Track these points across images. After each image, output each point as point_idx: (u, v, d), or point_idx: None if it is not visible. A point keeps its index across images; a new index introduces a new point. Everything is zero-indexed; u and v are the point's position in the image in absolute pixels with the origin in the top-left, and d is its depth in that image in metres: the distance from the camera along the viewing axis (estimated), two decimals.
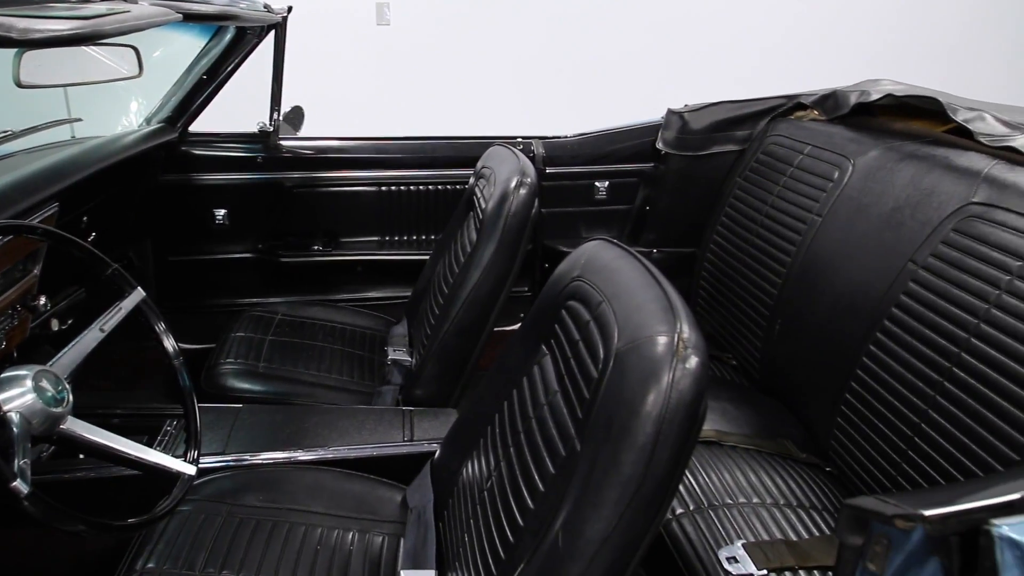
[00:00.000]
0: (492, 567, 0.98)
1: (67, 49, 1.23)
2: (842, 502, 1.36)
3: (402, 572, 1.15)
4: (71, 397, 1.03)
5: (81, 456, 1.34)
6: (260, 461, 1.41)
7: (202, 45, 2.05)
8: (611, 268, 0.98)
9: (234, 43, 1.99)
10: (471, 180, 1.89)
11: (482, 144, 2.02)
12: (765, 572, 1.22)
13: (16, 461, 0.89)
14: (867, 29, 4.13)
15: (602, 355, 0.87)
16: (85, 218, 1.72)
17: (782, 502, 1.40)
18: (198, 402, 1.26)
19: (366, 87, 3.82)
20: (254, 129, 2.22)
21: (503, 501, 1.01)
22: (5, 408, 0.93)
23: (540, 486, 0.93)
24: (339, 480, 1.38)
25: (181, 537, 1.19)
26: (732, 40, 4.02)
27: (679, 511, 1.38)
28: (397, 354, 1.85)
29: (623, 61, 3.95)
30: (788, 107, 2.08)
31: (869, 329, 1.43)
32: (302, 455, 1.43)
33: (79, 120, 2.05)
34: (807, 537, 1.31)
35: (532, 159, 2.23)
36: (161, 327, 1.24)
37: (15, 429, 0.92)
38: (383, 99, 3.81)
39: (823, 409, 1.54)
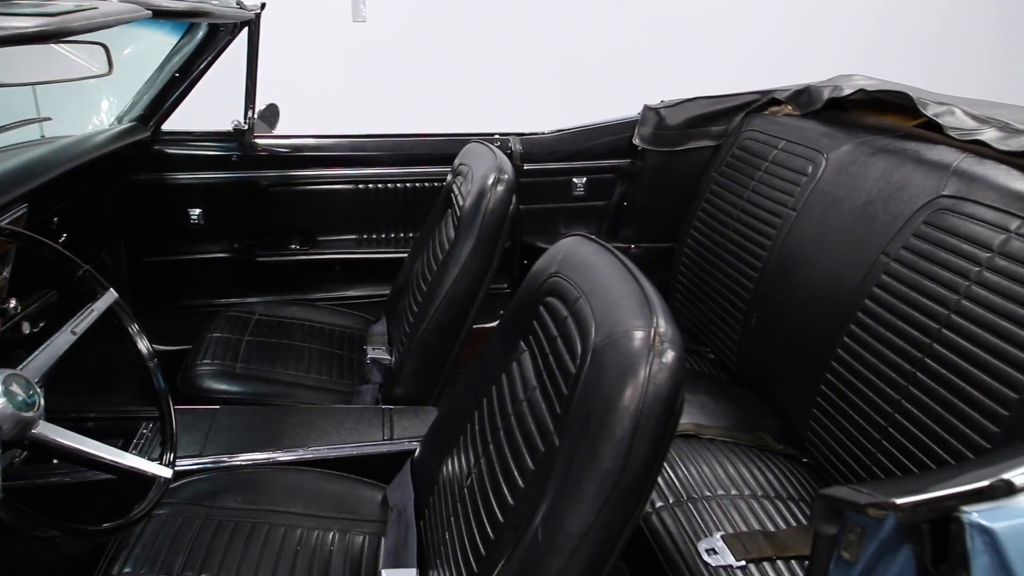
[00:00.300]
0: (473, 564, 0.98)
1: (34, 47, 1.21)
2: (816, 492, 1.37)
3: (383, 571, 1.15)
4: (43, 401, 1.02)
5: (55, 461, 1.32)
6: (238, 463, 1.40)
7: (174, 42, 2.03)
8: (588, 264, 0.98)
9: (206, 40, 1.97)
10: (449, 177, 1.88)
11: (459, 141, 2.02)
12: (744, 563, 1.24)
13: None
14: (847, 26, 4.17)
15: (580, 350, 0.87)
16: (56, 219, 1.69)
17: (760, 493, 1.41)
18: (175, 404, 1.24)
19: (342, 84, 3.79)
20: (228, 127, 2.19)
21: (483, 498, 1.01)
22: None
23: (520, 482, 0.94)
24: (319, 480, 1.37)
25: (158, 541, 1.18)
26: (709, 36, 4.04)
27: (658, 504, 1.39)
28: (376, 353, 1.84)
29: (600, 57, 3.96)
30: (763, 102, 2.10)
31: (843, 321, 1.45)
32: (281, 456, 1.42)
33: (48, 119, 2.02)
34: (784, 528, 1.33)
35: (510, 156, 2.23)
36: (134, 328, 1.23)
37: None
38: (359, 96, 3.78)
39: (799, 401, 1.56)
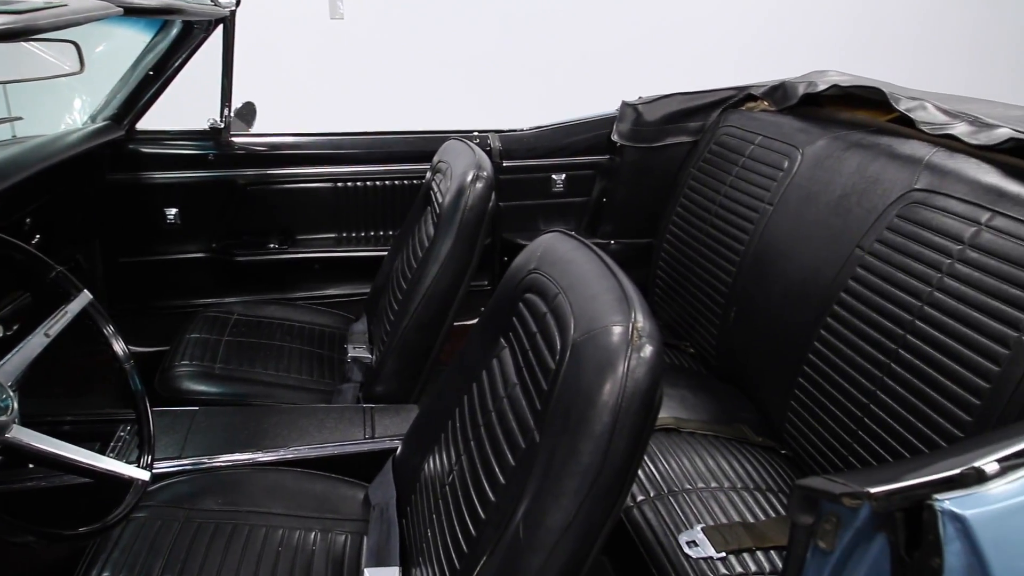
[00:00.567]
0: (455, 561, 0.98)
1: (3, 45, 1.19)
2: (793, 483, 1.39)
3: (366, 570, 1.14)
4: (16, 405, 1.00)
5: (31, 466, 1.30)
6: (218, 464, 1.39)
7: (147, 40, 2.00)
8: (567, 260, 0.98)
9: (181, 38, 1.94)
10: (428, 175, 1.88)
11: (438, 138, 2.02)
12: (723, 555, 1.25)
13: None
14: (828, 24, 4.21)
15: (559, 346, 0.88)
16: (28, 220, 1.66)
17: (739, 485, 1.43)
18: (153, 406, 1.23)
19: (320, 82, 3.76)
20: (204, 126, 2.17)
21: (465, 495, 1.01)
22: None
23: (501, 478, 0.94)
24: (300, 480, 1.36)
25: (137, 544, 1.17)
26: (686, 32, 4.06)
27: (640, 498, 1.40)
28: (357, 351, 1.83)
29: (579, 54, 3.96)
30: (739, 98, 2.12)
31: (820, 314, 1.47)
32: (261, 456, 1.41)
33: (19, 119, 1.99)
34: (764, 519, 1.35)
35: (489, 153, 2.23)
36: (110, 330, 1.21)
37: None
38: (337, 94, 3.76)
39: (777, 393, 1.58)
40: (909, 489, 0.66)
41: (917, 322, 1.26)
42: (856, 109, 1.79)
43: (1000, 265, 1.16)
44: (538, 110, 2.49)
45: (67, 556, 1.27)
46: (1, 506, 0.90)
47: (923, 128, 1.48)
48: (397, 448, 1.34)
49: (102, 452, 1.31)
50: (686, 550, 1.27)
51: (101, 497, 1.15)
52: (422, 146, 2.22)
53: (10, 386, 1.01)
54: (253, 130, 2.32)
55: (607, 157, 2.32)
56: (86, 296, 1.19)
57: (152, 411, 1.21)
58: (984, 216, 1.22)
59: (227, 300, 2.25)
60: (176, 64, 2.01)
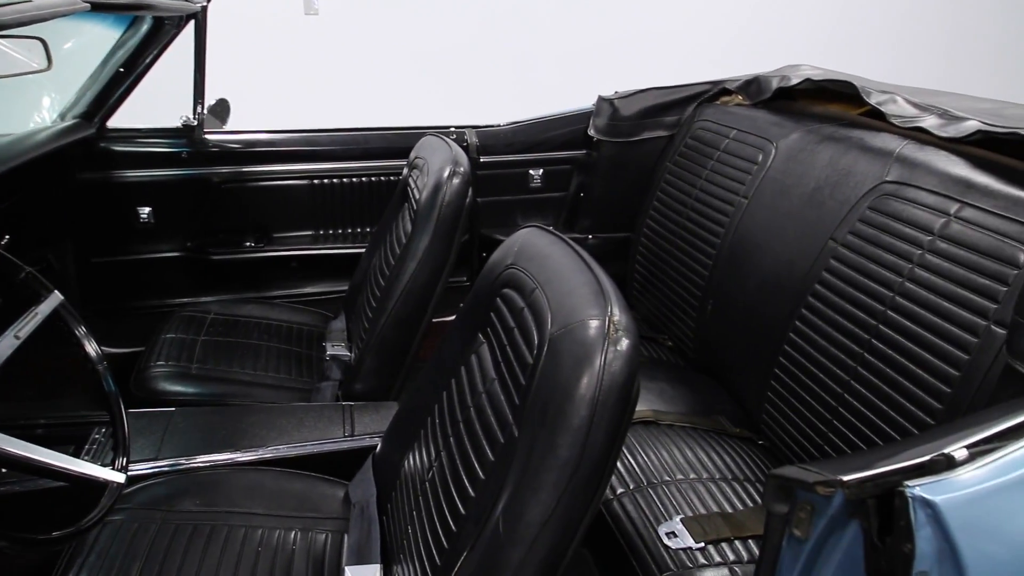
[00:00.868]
0: (436, 557, 0.98)
1: None
2: (767, 472, 1.41)
3: (347, 569, 1.14)
4: None
5: (3, 470, 1.28)
6: (196, 465, 1.38)
7: (117, 36, 1.97)
8: (544, 255, 0.99)
9: (151, 34, 1.92)
10: (405, 171, 1.87)
11: (415, 134, 2.01)
12: (702, 545, 1.26)
13: None
14: (809, 19, 4.25)
15: (536, 341, 0.88)
16: None
17: (717, 476, 1.44)
18: (129, 407, 1.21)
19: (295, 78, 3.73)
20: (177, 123, 2.15)
21: (445, 491, 1.01)
22: None
23: (480, 474, 0.94)
24: (279, 479, 1.35)
25: (114, 547, 1.15)
26: (666, 26, 4.08)
27: (619, 491, 1.41)
28: (336, 349, 1.82)
29: (555, 48, 3.96)
30: (714, 92, 2.13)
31: (794, 306, 1.48)
32: (240, 456, 1.40)
33: None
34: (742, 508, 1.36)
35: (466, 148, 2.23)
36: (81, 331, 1.19)
37: None
38: (313, 90, 3.73)
39: (754, 385, 1.59)
40: (881, 476, 0.67)
41: (889, 312, 1.28)
42: (829, 103, 1.81)
43: (969, 255, 1.18)
44: (515, 105, 2.49)
45: (42, 561, 1.25)
46: None
47: (894, 121, 1.50)
48: (377, 446, 1.34)
49: (76, 455, 1.30)
50: (666, 541, 1.28)
51: (76, 501, 1.13)
52: (399, 142, 2.21)
53: None
54: (227, 127, 2.29)
55: (584, 152, 2.33)
56: (57, 297, 1.18)
57: (127, 412, 1.19)
58: (953, 207, 1.24)
59: (203, 299, 2.23)
60: (147, 61, 1.98)
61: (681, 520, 1.32)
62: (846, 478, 0.67)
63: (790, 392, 1.47)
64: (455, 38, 3.86)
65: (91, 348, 1.20)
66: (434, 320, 1.61)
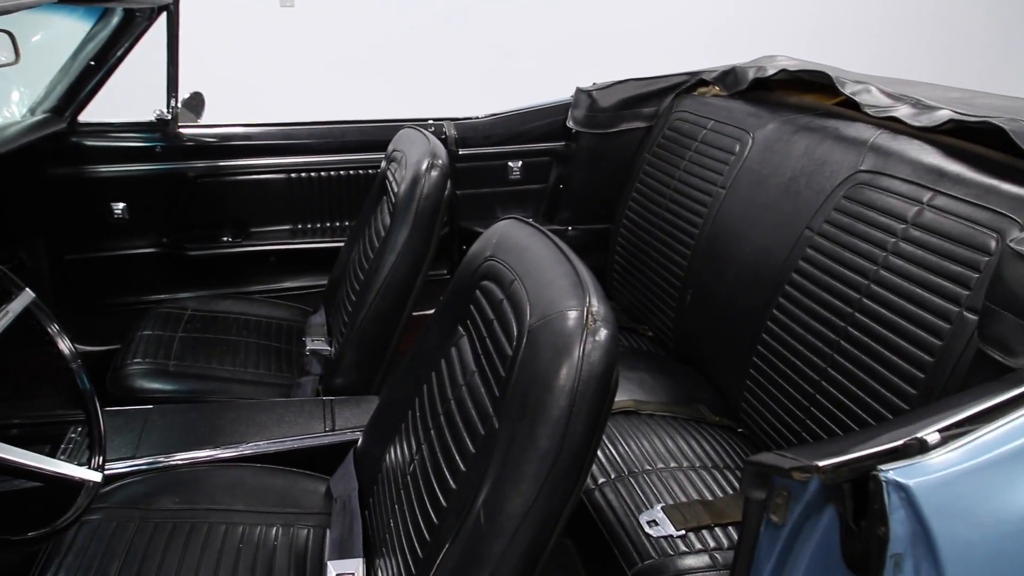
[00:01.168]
0: (418, 550, 0.98)
1: None
2: (745, 459, 1.42)
3: (329, 563, 1.14)
4: None
5: None
6: (175, 463, 1.36)
7: (88, 28, 1.93)
8: (522, 246, 0.99)
9: (122, 26, 1.89)
10: (383, 164, 1.86)
11: (392, 127, 2.00)
12: (683, 532, 1.28)
13: None
14: (793, 10, 4.28)
15: (516, 332, 0.88)
16: None
17: (698, 464, 1.46)
18: (105, 406, 1.20)
19: (271, 71, 3.69)
20: (151, 117, 2.11)
21: (426, 484, 1.01)
22: None
23: (461, 466, 0.94)
24: (260, 475, 1.35)
25: (92, 547, 1.14)
26: (641, 16, 4.09)
27: (601, 480, 1.42)
28: (316, 344, 1.82)
29: (533, 39, 3.96)
30: (691, 83, 2.14)
31: (772, 295, 1.50)
32: (220, 453, 1.39)
33: None
34: (721, 496, 1.38)
35: (444, 141, 2.22)
36: (54, 329, 1.18)
37: None
38: (289, 83, 3.69)
39: (733, 373, 1.61)
40: (855, 461, 0.68)
41: (864, 300, 1.29)
42: (804, 93, 1.82)
43: (941, 243, 1.20)
44: (494, 96, 2.49)
45: (19, 562, 1.23)
46: None
47: (868, 111, 1.52)
48: (358, 440, 1.33)
49: (52, 455, 1.28)
50: (647, 529, 1.29)
51: (52, 501, 1.12)
52: (377, 135, 2.19)
53: None
54: (202, 121, 2.27)
55: (563, 144, 2.33)
56: (28, 295, 1.16)
57: (102, 411, 1.18)
58: (926, 195, 1.26)
59: (180, 295, 2.20)
60: (118, 53, 1.95)
61: (662, 508, 1.33)
62: (821, 463, 0.68)
63: (768, 380, 1.49)
64: (433, 30, 3.84)
65: (64, 346, 1.18)
66: (414, 314, 1.61)
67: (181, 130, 2.14)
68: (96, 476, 1.11)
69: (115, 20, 1.87)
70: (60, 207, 2.08)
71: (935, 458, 0.69)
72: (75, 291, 2.17)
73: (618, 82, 2.21)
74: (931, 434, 0.71)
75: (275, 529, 1.23)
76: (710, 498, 1.37)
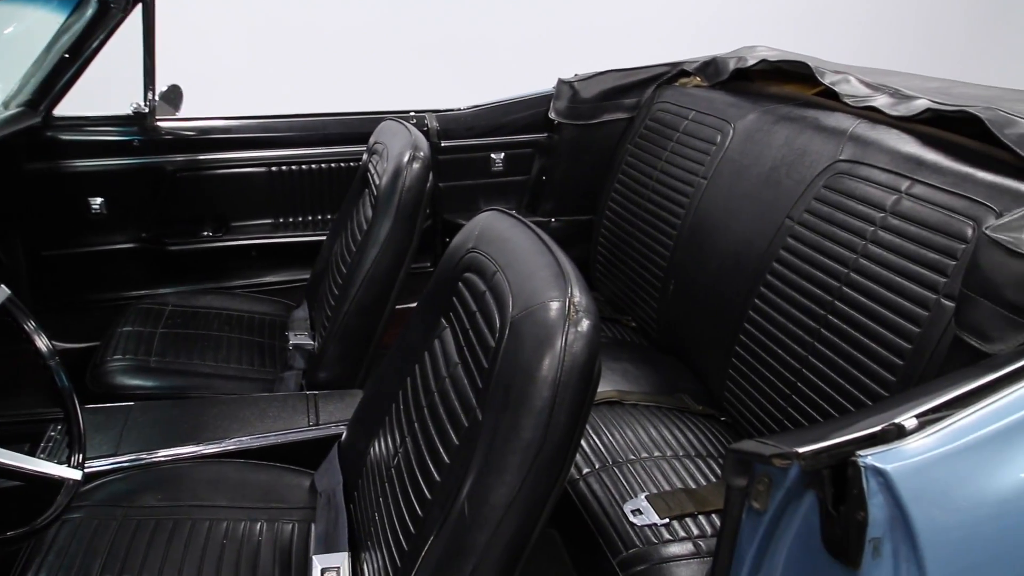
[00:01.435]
0: (403, 542, 0.98)
1: None
2: (726, 447, 1.44)
3: (314, 558, 1.13)
4: None
5: None
6: (157, 459, 1.35)
7: (62, 20, 1.90)
8: (504, 238, 0.99)
9: (97, 17, 1.85)
10: (364, 156, 1.85)
11: (374, 119, 1.98)
12: (667, 520, 1.29)
13: None
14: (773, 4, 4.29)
15: (498, 324, 0.88)
16: None
17: (681, 453, 1.47)
18: (86, 403, 1.19)
19: (250, 63, 3.65)
20: (128, 111, 2.09)
21: (410, 476, 1.01)
22: None
23: (445, 458, 0.94)
24: (243, 471, 1.34)
25: (73, 546, 1.13)
26: (625, 6, 4.08)
27: (585, 470, 1.42)
28: (299, 338, 1.80)
29: (513, 31, 3.94)
30: (672, 74, 2.14)
31: (753, 284, 1.51)
32: (202, 449, 1.38)
33: None
34: (705, 484, 1.39)
35: (426, 133, 2.21)
36: (31, 326, 1.16)
37: None
38: (269, 75, 3.66)
39: (716, 362, 1.62)
40: (834, 447, 0.69)
41: (844, 288, 1.31)
42: (784, 83, 1.83)
43: (919, 231, 1.21)
44: (475, 88, 2.48)
45: None
46: None
47: (847, 101, 1.53)
48: (342, 434, 1.33)
49: (31, 453, 1.27)
50: (631, 518, 1.30)
51: (32, 500, 1.11)
52: (358, 128, 2.18)
53: None
54: (180, 114, 2.24)
55: (545, 135, 2.32)
56: (3, 291, 1.14)
57: (82, 408, 1.17)
58: (904, 184, 1.27)
59: (161, 291, 2.18)
60: (94, 46, 1.91)
61: (646, 497, 1.34)
62: (801, 450, 0.68)
63: (750, 369, 1.50)
64: (412, 19, 3.82)
65: (42, 343, 1.17)
66: (398, 307, 1.61)
67: (159, 123, 2.12)
68: (76, 474, 1.10)
69: (90, 11, 1.83)
70: (36, 203, 2.05)
71: (912, 443, 0.70)
72: (53, 288, 2.14)
73: (599, 73, 2.21)
74: (909, 419, 0.72)
75: (259, 524, 1.22)
76: (693, 486, 1.38)
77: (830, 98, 1.61)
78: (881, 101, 1.45)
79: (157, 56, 2.05)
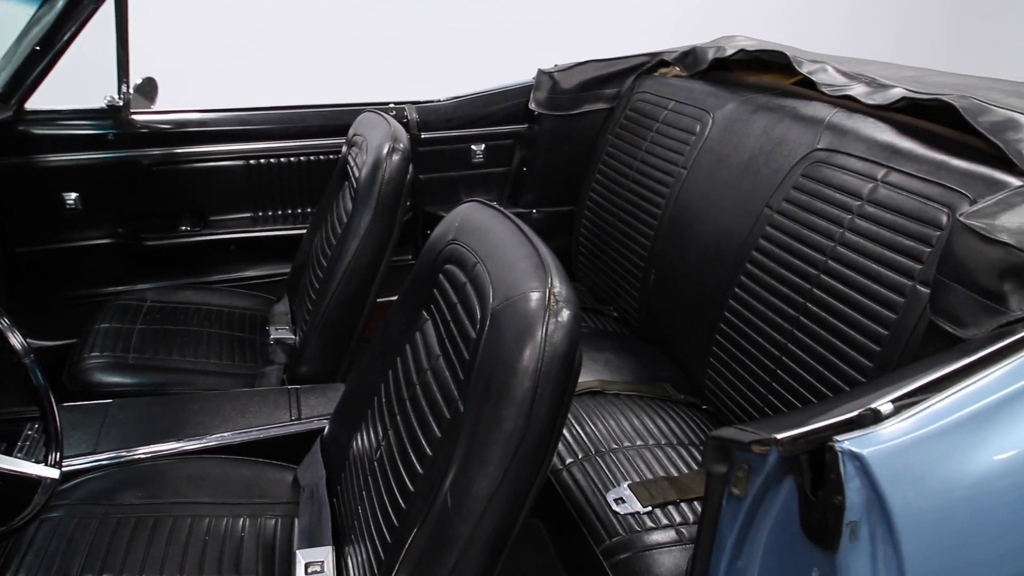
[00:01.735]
0: (387, 535, 0.98)
1: None
2: (706, 434, 1.45)
3: (298, 552, 1.13)
4: None
5: None
6: (137, 457, 1.34)
7: (32, 12, 1.86)
8: (484, 229, 0.98)
9: (69, 8, 1.82)
10: (344, 149, 1.84)
11: (353, 111, 1.97)
12: (650, 508, 1.30)
13: None
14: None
15: (479, 315, 0.88)
16: None
17: (663, 442, 1.48)
18: (63, 401, 1.17)
19: (227, 54, 3.61)
20: (102, 104, 2.05)
21: (393, 469, 1.01)
22: None
23: (428, 450, 0.94)
24: (225, 467, 1.33)
25: (53, 545, 1.12)
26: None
27: (568, 460, 1.43)
28: (280, 333, 1.79)
29: (493, 21, 3.93)
30: (652, 64, 2.15)
31: (733, 273, 1.52)
32: (183, 445, 1.37)
33: None
34: (687, 471, 1.40)
35: (406, 125, 2.20)
36: (5, 323, 1.14)
37: None
38: (246, 67, 3.61)
39: (697, 351, 1.63)
40: (812, 433, 0.69)
41: (823, 276, 1.32)
42: (763, 73, 1.84)
43: (895, 218, 1.23)
44: (455, 79, 2.47)
45: None
46: None
47: (824, 90, 1.54)
48: (324, 428, 1.32)
49: (8, 452, 1.25)
50: (614, 507, 1.31)
51: (9, 499, 1.09)
52: (337, 120, 2.16)
53: None
54: (156, 107, 2.21)
55: (525, 126, 2.32)
56: None
57: (59, 406, 1.15)
58: (880, 172, 1.29)
59: (138, 287, 2.16)
60: (65, 38, 1.88)
61: (629, 486, 1.34)
62: (780, 436, 0.69)
63: (731, 357, 1.51)
64: (392, 10, 3.78)
65: (16, 341, 1.15)
66: (379, 300, 1.60)
67: (134, 117, 2.08)
68: (53, 473, 1.09)
69: (61, 2, 1.80)
70: (9, 198, 2.02)
71: (888, 427, 0.71)
72: (28, 285, 2.11)
73: (579, 63, 2.21)
74: (884, 404, 0.73)
75: (242, 520, 1.22)
76: (676, 474, 1.39)
77: (808, 87, 1.62)
78: (857, 90, 1.46)
79: (131, 48, 2.02)
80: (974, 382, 0.75)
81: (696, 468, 1.41)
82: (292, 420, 1.43)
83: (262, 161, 2.20)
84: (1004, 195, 1.03)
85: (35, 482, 1.07)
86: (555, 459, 1.44)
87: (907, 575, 0.68)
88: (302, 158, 2.21)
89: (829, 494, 0.68)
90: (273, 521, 1.23)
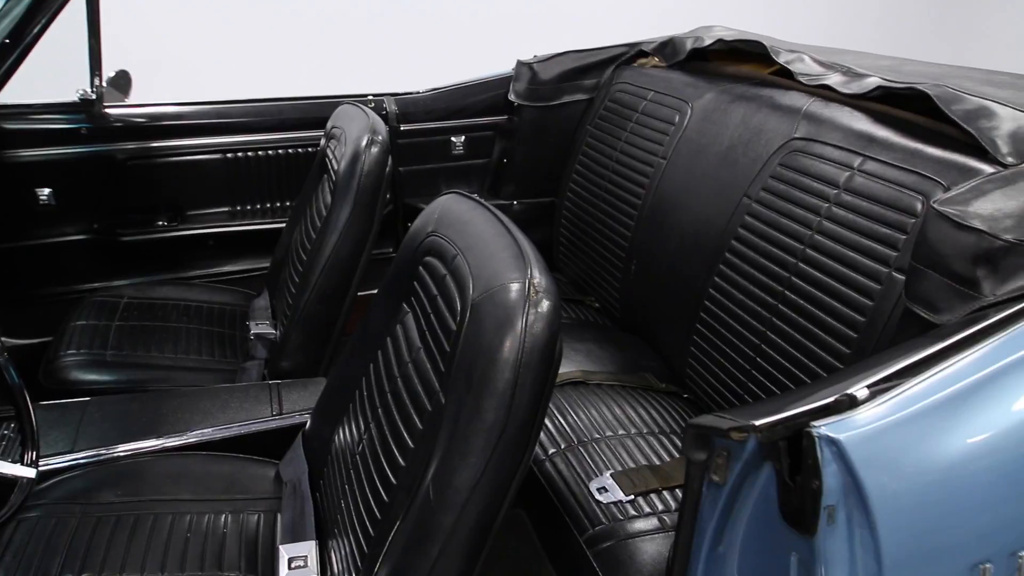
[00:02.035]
0: (370, 528, 0.98)
1: None
2: (686, 423, 1.46)
3: (281, 547, 1.13)
4: None
5: None
6: (116, 454, 1.33)
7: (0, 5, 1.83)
8: (464, 220, 0.98)
9: (38, 1, 1.78)
10: (322, 141, 1.82)
11: (331, 104, 1.95)
12: (632, 497, 1.31)
13: None
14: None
15: (459, 307, 0.88)
16: None
17: (645, 431, 1.49)
18: (39, 400, 1.16)
19: (201, 46, 3.56)
20: (74, 97, 2.02)
21: (375, 462, 1.01)
22: None
23: (410, 443, 0.94)
24: (206, 463, 1.32)
25: (31, 545, 1.10)
26: None
27: (551, 451, 1.43)
28: (260, 328, 1.78)
29: (469, 10, 3.91)
30: (631, 55, 2.15)
31: (713, 262, 1.53)
32: (163, 443, 1.36)
33: None
34: (668, 460, 1.41)
35: (385, 117, 2.18)
36: None
37: None
38: (221, 58, 3.57)
39: (678, 340, 1.64)
40: (790, 419, 0.70)
41: (801, 264, 1.33)
42: (741, 63, 1.85)
43: (871, 206, 1.24)
44: (434, 70, 2.45)
45: None
46: None
47: (801, 79, 1.55)
48: (306, 422, 1.32)
49: None
50: (597, 496, 1.31)
51: None
52: (315, 112, 2.14)
53: None
54: (129, 100, 2.17)
55: (505, 117, 2.31)
56: None
57: (34, 404, 1.14)
58: (856, 161, 1.30)
59: (115, 283, 2.13)
60: (35, 31, 1.84)
61: (611, 475, 1.35)
62: (758, 423, 0.70)
63: (711, 346, 1.52)
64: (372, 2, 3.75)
65: None
66: (360, 293, 1.59)
67: (107, 110, 2.05)
68: (30, 472, 1.08)
69: None
70: None
71: (864, 412, 0.72)
72: (2, 282, 2.07)
73: (558, 54, 2.20)
74: (860, 390, 0.74)
75: (224, 516, 1.21)
76: (657, 463, 1.40)
77: (785, 77, 1.63)
78: (834, 79, 1.47)
79: (103, 40, 1.99)
80: (948, 367, 0.77)
81: (678, 456, 1.43)
82: (273, 415, 1.42)
83: (239, 154, 2.17)
84: (977, 182, 1.05)
85: (11, 482, 1.06)
86: (538, 449, 1.44)
87: (883, 557, 0.69)
88: (280, 151, 2.19)
89: (807, 479, 0.69)
90: (256, 517, 1.22)
